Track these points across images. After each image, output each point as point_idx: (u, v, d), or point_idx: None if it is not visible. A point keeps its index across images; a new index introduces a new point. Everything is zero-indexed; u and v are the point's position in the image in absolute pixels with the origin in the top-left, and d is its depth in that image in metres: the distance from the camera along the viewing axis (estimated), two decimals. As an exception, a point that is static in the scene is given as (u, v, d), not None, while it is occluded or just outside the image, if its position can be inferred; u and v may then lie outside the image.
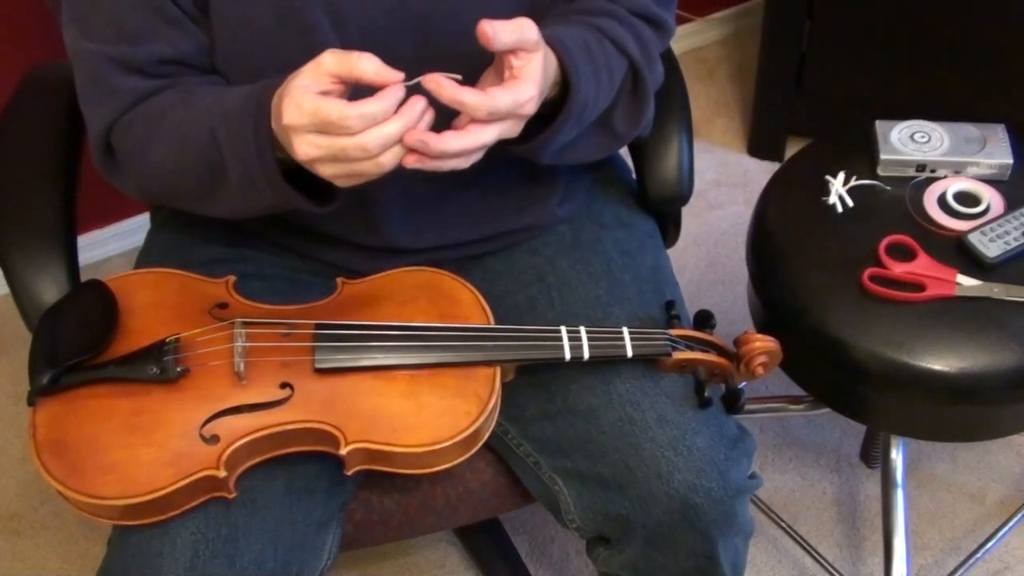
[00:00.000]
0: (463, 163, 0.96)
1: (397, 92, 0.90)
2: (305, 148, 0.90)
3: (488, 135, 0.94)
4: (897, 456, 1.54)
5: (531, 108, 0.95)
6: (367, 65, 0.89)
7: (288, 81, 0.92)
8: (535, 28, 0.93)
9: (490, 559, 1.71)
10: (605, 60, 1.08)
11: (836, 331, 1.31)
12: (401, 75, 0.90)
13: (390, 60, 1.07)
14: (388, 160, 0.91)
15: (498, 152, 0.99)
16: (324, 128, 0.89)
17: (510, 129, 0.96)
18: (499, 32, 0.91)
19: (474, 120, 0.93)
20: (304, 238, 1.19)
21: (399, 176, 1.14)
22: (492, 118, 0.93)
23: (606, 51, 1.08)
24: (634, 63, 1.11)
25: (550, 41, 0.99)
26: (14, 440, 1.90)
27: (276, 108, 0.93)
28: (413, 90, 0.92)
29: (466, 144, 0.93)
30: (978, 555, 1.65)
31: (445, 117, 0.95)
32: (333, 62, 0.90)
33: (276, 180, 0.98)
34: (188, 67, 1.08)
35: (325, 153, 0.90)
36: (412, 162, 0.94)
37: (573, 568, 1.70)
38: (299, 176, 0.97)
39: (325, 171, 0.92)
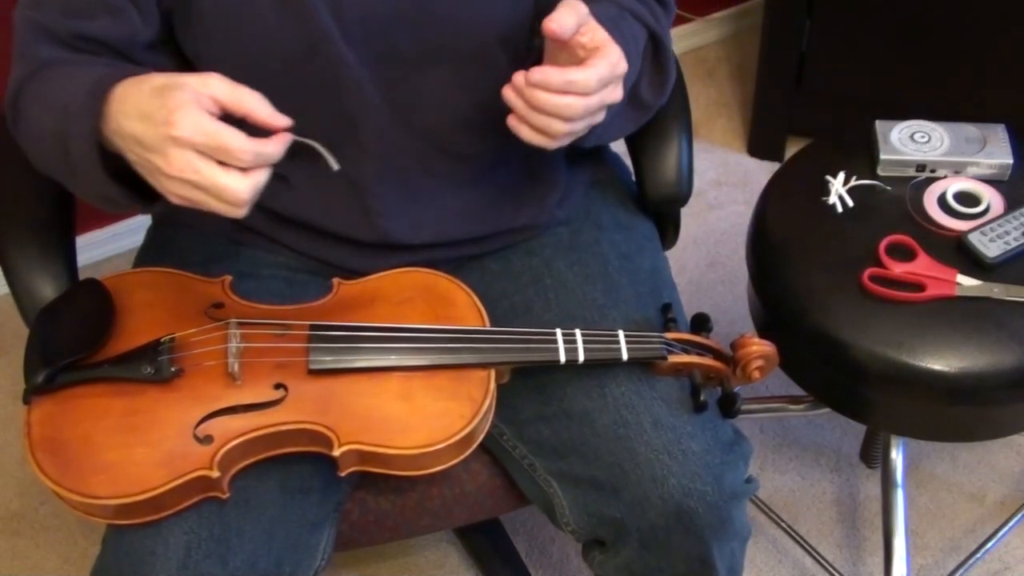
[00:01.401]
0: (576, 127, 0.98)
1: (287, 140, 0.90)
2: (180, 164, 0.86)
3: (594, 102, 0.97)
4: (897, 456, 1.54)
5: (624, 65, 0.98)
6: (261, 106, 0.89)
7: (171, 88, 0.88)
8: (580, 3, 0.96)
9: (490, 559, 1.70)
10: (631, 32, 1.09)
11: (836, 331, 1.31)
12: (290, 121, 0.90)
13: (390, 53, 1.07)
14: (238, 211, 0.89)
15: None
16: (214, 153, 0.86)
17: (611, 93, 0.98)
18: (563, 20, 0.93)
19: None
20: (301, 234, 1.19)
21: (398, 168, 1.14)
22: (601, 86, 0.96)
23: (629, 23, 1.09)
24: (652, 31, 1.12)
25: None
26: (14, 440, 1.90)
27: (143, 106, 0.89)
28: (301, 146, 0.92)
29: (583, 100, 0.96)
30: (978, 555, 1.65)
31: None
32: (222, 89, 0.89)
33: (97, 166, 0.94)
34: (111, 51, 1.05)
35: (194, 177, 0.87)
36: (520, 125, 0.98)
37: (573, 568, 1.70)
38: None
39: (175, 188, 0.89)
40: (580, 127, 0.99)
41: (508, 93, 0.98)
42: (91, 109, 0.92)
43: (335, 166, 0.94)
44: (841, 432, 1.84)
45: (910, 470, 1.76)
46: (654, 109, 1.19)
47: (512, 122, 0.99)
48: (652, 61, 1.14)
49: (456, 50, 1.10)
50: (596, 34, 0.97)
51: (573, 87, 0.95)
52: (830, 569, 1.64)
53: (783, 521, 1.71)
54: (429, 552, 1.73)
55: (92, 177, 0.96)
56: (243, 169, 0.87)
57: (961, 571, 1.63)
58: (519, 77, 0.96)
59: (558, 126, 0.97)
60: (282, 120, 0.90)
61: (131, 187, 0.96)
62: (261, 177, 0.89)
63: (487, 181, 1.20)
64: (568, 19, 0.94)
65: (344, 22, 1.05)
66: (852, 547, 1.70)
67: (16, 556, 1.75)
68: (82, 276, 1.15)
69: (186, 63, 1.11)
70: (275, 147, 0.89)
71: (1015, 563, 1.67)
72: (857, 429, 1.80)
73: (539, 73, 0.95)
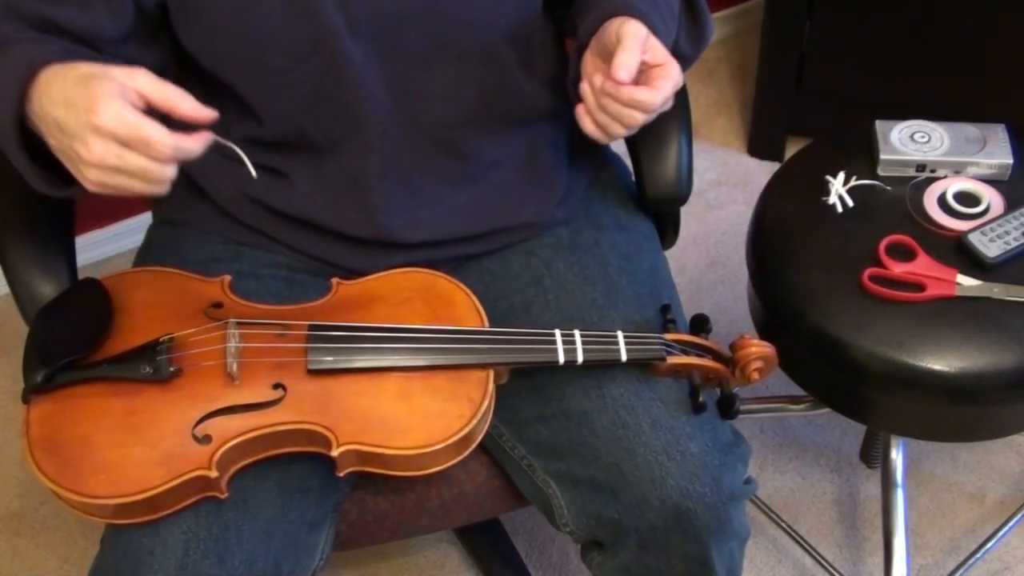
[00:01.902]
0: (632, 131, 1.04)
1: (208, 139, 0.91)
2: (100, 152, 0.87)
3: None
4: (897, 456, 1.54)
5: (681, 79, 1.04)
6: (184, 101, 0.90)
7: (97, 78, 0.89)
8: (636, 24, 1.01)
9: (490, 559, 1.70)
10: (666, 5, 1.11)
11: (836, 331, 1.31)
12: (214, 113, 0.91)
13: (397, 49, 1.08)
14: (160, 189, 0.90)
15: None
16: (133, 144, 0.87)
17: (668, 103, 1.04)
18: (629, 66, 0.99)
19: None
20: (301, 232, 1.19)
21: (400, 165, 1.14)
22: (664, 103, 1.02)
23: None
24: None
25: (628, 12, 1.03)
26: (14, 440, 1.90)
27: (68, 93, 0.90)
28: (224, 148, 0.93)
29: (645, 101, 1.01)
30: (978, 555, 1.65)
31: None
32: (147, 83, 0.90)
33: (17, 145, 0.95)
34: (75, 39, 1.06)
35: (116, 163, 0.88)
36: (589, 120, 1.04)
37: (573, 568, 1.70)
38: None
39: (93, 175, 0.90)
40: (636, 129, 1.04)
41: (584, 87, 1.03)
42: (17, 89, 0.93)
43: (254, 173, 0.95)
44: (841, 432, 1.84)
45: (910, 470, 1.76)
46: (693, 60, 1.21)
47: (579, 112, 1.05)
48: (687, 15, 1.17)
49: (463, 48, 1.10)
50: (656, 52, 1.02)
51: (639, 105, 1.00)
52: (830, 569, 1.64)
53: (783, 521, 1.70)
54: (429, 552, 1.73)
55: (13, 154, 0.97)
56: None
57: (961, 571, 1.63)
58: (598, 79, 1.01)
59: (618, 130, 1.03)
60: (206, 113, 0.91)
61: (54, 170, 0.98)
62: (171, 171, 0.90)
63: (488, 180, 1.20)
64: (632, 61, 0.99)
65: (350, 18, 1.05)
66: (852, 547, 1.70)
67: (16, 556, 1.75)
68: (82, 276, 1.15)
69: (181, 59, 1.12)
70: (195, 144, 0.90)
71: (1015, 563, 1.67)
72: (857, 429, 1.80)
73: (611, 87, 1.00)
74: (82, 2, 1.04)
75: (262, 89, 1.11)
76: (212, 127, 0.91)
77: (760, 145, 2.31)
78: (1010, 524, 1.69)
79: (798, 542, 1.69)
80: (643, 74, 1.02)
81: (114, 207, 2.12)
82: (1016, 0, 1.90)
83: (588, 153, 1.29)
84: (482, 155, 1.18)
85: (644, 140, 1.30)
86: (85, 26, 1.05)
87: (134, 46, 1.09)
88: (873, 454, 1.76)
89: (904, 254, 1.33)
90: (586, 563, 1.20)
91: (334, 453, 0.99)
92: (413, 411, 1.01)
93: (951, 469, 1.79)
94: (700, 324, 1.15)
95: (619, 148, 1.35)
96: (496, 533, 1.71)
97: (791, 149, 2.27)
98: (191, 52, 1.11)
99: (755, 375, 1.11)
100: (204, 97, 1.08)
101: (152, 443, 0.98)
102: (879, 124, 1.45)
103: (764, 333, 1.43)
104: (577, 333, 1.07)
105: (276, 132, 1.13)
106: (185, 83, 1.15)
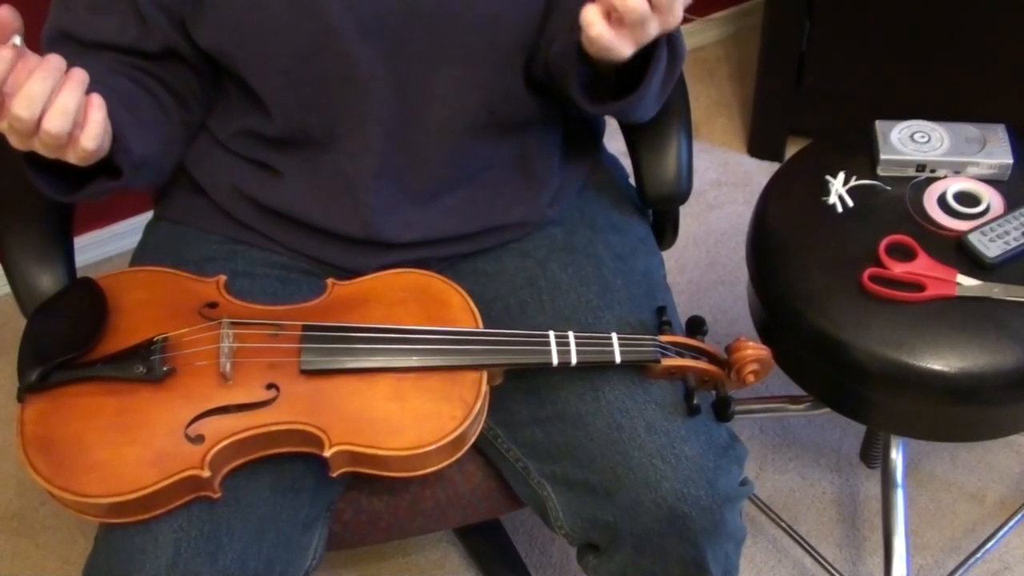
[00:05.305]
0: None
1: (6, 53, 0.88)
2: None
3: None
4: (897, 456, 1.54)
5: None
6: None
7: None
8: None
9: (490, 559, 1.70)
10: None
11: (836, 331, 1.30)
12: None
13: (405, 50, 1.08)
14: (54, 126, 0.87)
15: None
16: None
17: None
18: None
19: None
20: (294, 230, 1.19)
21: (397, 166, 1.14)
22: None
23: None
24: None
25: None
26: (14, 440, 1.89)
27: None
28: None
29: None
30: (978, 555, 1.64)
31: None
32: None
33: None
34: (116, 51, 1.10)
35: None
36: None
37: (573, 568, 1.69)
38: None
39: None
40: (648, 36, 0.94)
41: None
42: None
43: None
44: (841, 432, 1.83)
45: (910, 470, 1.76)
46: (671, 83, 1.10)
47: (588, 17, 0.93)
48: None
49: (470, 49, 1.10)
50: None
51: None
52: (830, 569, 1.64)
53: (783, 521, 1.70)
54: (429, 552, 1.73)
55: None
56: None
57: (961, 571, 1.63)
58: None
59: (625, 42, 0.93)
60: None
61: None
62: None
63: (479, 180, 1.19)
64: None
65: (357, 17, 1.06)
66: (852, 547, 1.69)
67: (16, 556, 1.75)
68: (81, 276, 1.15)
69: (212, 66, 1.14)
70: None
71: (1015, 563, 1.66)
72: (857, 429, 1.80)
73: None
74: (120, 14, 1.08)
75: (270, 85, 1.11)
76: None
77: (760, 145, 2.31)
78: (1010, 524, 1.69)
79: (798, 542, 1.68)
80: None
81: (113, 207, 2.13)
82: (1016, 0, 1.89)
83: (583, 153, 1.28)
84: (475, 157, 1.18)
85: (644, 138, 1.29)
86: (127, 42, 1.09)
87: (177, 63, 1.13)
88: (873, 454, 1.76)
89: (904, 254, 1.33)
90: (582, 565, 1.19)
91: (326, 454, 0.99)
92: (406, 412, 1.01)
93: (951, 469, 1.78)
94: (695, 326, 1.14)
95: (617, 148, 1.35)
96: (496, 533, 1.72)
97: (791, 149, 2.27)
98: (206, 49, 1.12)
99: (750, 378, 1.11)
100: (221, 91, 1.09)
101: (145, 442, 0.98)
102: (879, 124, 1.45)
103: (764, 333, 1.43)
104: (571, 334, 1.07)
105: (280, 127, 1.13)
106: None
